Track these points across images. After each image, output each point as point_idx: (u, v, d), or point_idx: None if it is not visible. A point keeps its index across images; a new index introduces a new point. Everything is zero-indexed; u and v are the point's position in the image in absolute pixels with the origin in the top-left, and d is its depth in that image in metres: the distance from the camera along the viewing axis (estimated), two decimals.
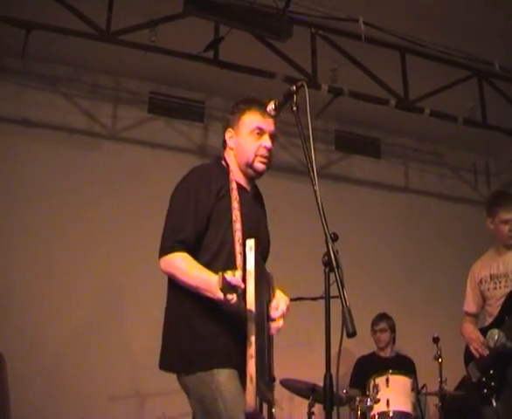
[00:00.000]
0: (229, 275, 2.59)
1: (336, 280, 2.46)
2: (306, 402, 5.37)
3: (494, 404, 4.81)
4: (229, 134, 3.27)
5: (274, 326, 3.06)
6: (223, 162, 3.26)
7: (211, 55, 6.14)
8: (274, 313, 3.08)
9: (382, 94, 6.72)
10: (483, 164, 9.09)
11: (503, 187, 8.75)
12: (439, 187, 8.70)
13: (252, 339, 2.71)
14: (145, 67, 6.96)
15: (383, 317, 6.77)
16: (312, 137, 2.69)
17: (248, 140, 3.20)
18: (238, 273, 2.63)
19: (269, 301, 3.09)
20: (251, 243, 2.82)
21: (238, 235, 2.95)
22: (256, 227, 3.16)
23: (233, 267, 2.81)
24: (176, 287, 3.05)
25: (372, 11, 6.14)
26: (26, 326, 6.18)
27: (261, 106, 3.20)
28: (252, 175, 3.24)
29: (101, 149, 7.16)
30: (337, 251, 2.51)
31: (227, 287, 2.59)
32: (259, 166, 3.18)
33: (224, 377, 2.88)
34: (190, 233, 3.00)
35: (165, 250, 2.99)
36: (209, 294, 2.81)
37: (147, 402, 6.54)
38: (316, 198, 2.62)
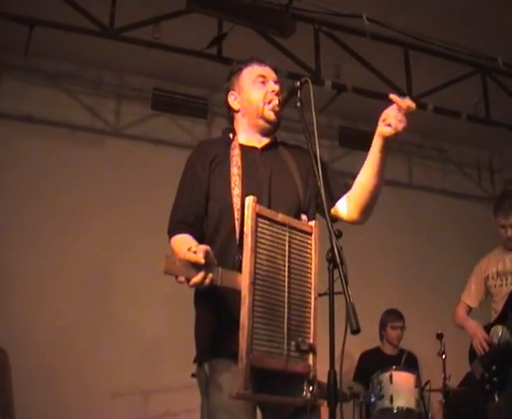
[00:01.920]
0: (189, 253, 2.45)
1: (340, 277, 2.45)
2: None
3: (497, 400, 4.82)
4: (232, 97, 3.14)
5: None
6: (230, 134, 3.10)
7: (214, 51, 6.14)
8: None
9: (385, 90, 6.67)
10: (487, 160, 9.09)
11: (507, 183, 8.76)
12: (443, 183, 8.70)
13: (245, 309, 2.48)
14: (148, 64, 6.96)
15: (400, 314, 6.73)
16: (316, 133, 2.68)
17: (252, 89, 3.07)
18: (200, 248, 2.47)
19: (302, 259, 2.76)
20: (248, 200, 2.60)
21: (235, 201, 2.82)
22: (267, 187, 2.91)
23: (226, 235, 2.78)
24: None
25: (375, 7, 6.13)
26: (29, 324, 6.20)
27: (257, 59, 3.15)
28: (266, 127, 3.06)
29: (105, 146, 7.17)
30: (341, 248, 2.50)
31: (179, 268, 2.41)
32: (270, 115, 3.02)
33: (213, 369, 2.77)
34: (187, 211, 2.92)
35: (169, 233, 2.93)
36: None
37: (150, 399, 6.55)
38: (321, 195, 2.61)
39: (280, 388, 2.66)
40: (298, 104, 2.84)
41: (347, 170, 8.08)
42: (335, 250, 2.48)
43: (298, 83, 2.86)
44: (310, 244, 2.78)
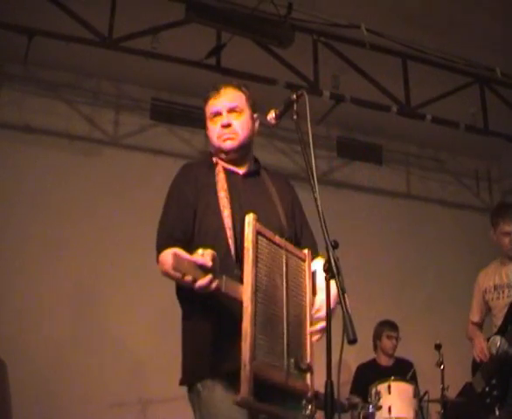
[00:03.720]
0: (196, 255, 2.48)
1: (337, 287, 2.46)
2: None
3: (497, 413, 4.81)
4: (207, 131, 3.24)
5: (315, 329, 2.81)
6: (213, 158, 3.20)
7: (213, 62, 6.15)
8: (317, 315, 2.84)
9: (384, 101, 6.73)
10: (485, 170, 9.10)
11: (505, 193, 8.77)
12: (441, 193, 8.70)
13: (247, 317, 2.51)
14: (147, 74, 6.97)
15: (395, 324, 6.73)
16: (312, 144, 2.68)
17: (210, 127, 3.17)
18: (207, 252, 2.50)
19: (298, 281, 2.83)
20: (249, 218, 2.67)
21: (227, 222, 2.88)
22: (255, 208, 2.88)
23: (222, 253, 2.76)
24: (177, 294, 3.01)
25: (374, 18, 6.15)
26: (27, 334, 6.18)
27: (214, 88, 3.21)
28: (229, 157, 3.13)
29: (103, 156, 7.17)
30: (338, 258, 2.51)
31: (187, 268, 2.43)
32: (225, 144, 3.10)
33: (206, 387, 2.78)
34: (176, 227, 2.98)
35: (158, 248, 2.98)
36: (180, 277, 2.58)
37: (148, 409, 6.53)
38: (317, 205, 2.62)
39: (275, 402, 2.66)
40: (294, 117, 2.86)
41: (345, 180, 8.13)
42: (332, 260, 2.49)
43: (294, 95, 2.88)
44: (304, 271, 2.87)
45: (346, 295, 2.43)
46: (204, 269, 2.46)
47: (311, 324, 2.80)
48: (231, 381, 2.62)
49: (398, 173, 8.59)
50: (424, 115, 6.87)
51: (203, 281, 2.46)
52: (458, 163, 8.88)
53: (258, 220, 2.70)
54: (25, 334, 6.17)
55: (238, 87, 3.26)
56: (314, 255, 3.02)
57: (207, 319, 2.80)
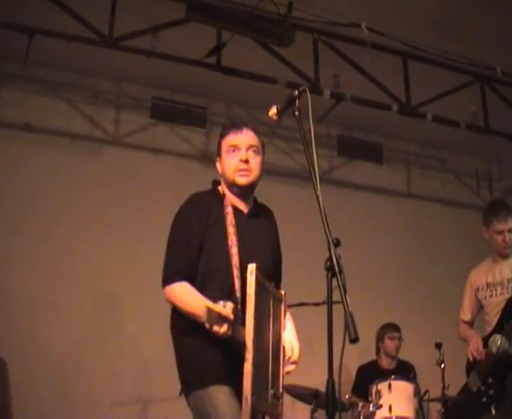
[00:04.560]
0: (219, 306, 2.72)
1: (339, 285, 2.46)
2: (308, 408, 5.36)
3: (494, 412, 4.80)
4: (218, 163, 3.36)
5: (289, 369, 3.18)
6: (219, 188, 3.33)
7: (213, 61, 6.14)
8: (289, 361, 3.18)
9: (384, 100, 6.72)
10: (485, 169, 9.09)
11: (505, 192, 8.76)
12: (442, 192, 8.70)
13: (249, 358, 2.77)
14: (147, 73, 6.97)
15: (397, 326, 6.73)
16: (314, 142, 2.68)
17: (226, 160, 3.26)
18: (229, 305, 2.76)
19: (278, 320, 3.17)
20: (252, 267, 2.89)
21: (235, 259, 3.06)
22: (255, 249, 3.20)
23: (229, 293, 2.98)
24: (173, 314, 3.21)
25: (374, 17, 6.14)
26: (29, 332, 6.18)
27: (235, 126, 3.32)
28: (241, 192, 3.27)
29: (104, 155, 7.16)
30: (340, 257, 2.51)
31: (214, 319, 2.68)
32: (240, 180, 3.22)
33: (217, 391, 2.94)
34: (183, 262, 3.11)
35: (165, 280, 3.12)
36: (203, 320, 2.82)
37: (149, 408, 6.53)
38: (319, 203, 2.62)
39: None
40: (296, 113, 2.86)
41: (346, 179, 8.13)
42: (334, 258, 2.48)
43: (296, 92, 2.88)
44: (281, 310, 3.23)
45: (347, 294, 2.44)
46: (223, 318, 2.73)
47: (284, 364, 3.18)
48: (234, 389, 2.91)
49: (399, 172, 8.59)
50: (424, 114, 6.87)
51: (223, 329, 2.75)
52: (458, 162, 8.87)
53: (257, 261, 2.96)
54: (27, 333, 6.17)
55: (256, 131, 3.36)
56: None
57: (207, 337, 2.92)
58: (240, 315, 2.90)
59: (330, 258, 2.50)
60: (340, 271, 2.47)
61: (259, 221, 3.36)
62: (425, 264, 8.09)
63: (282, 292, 3.26)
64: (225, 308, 2.74)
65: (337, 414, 2.50)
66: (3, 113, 6.77)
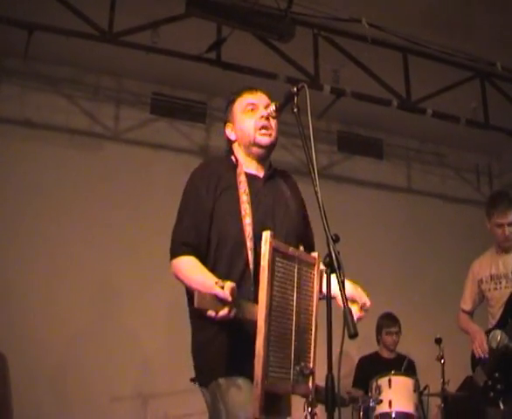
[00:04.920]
0: (216, 287, 2.55)
1: (338, 281, 2.46)
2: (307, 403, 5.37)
3: (502, 407, 4.79)
4: (228, 129, 3.22)
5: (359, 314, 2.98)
6: (232, 157, 3.17)
7: (213, 56, 6.14)
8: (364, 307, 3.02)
9: (384, 95, 6.72)
10: (486, 165, 9.10)
11: (506, 187, 8.74)
12: (442, 188, 8.71)
13: (260, 339, 2.59)
14: (147, 68, 6.96)
15: (395, 318, 6.74)
16: (313, 138, 2.68)
17: (243, 119, 3.14)
18: (227, 285, 2.56)
19: (307, 288, 2.90)
20: (266, 235, 2.68)
21: (248, 230, 2.88)
22: (274, 214, 3.03)
23: (243, 267, 2.84)
24: (188, 294, 3.00)
25: (374, 12, 6.13)
26: (29, 328, 6.19)
27: (248, 87, 3.22)
28: (261, 153, 3.12)
29: (103, 150, 7.16)
30: (339, 252, 2.51)
31: (208, 303, 2.52)
32: (262, 139, 3.08)
33: (228, 386, 2.81)
34: (191, 233, 2.95)
35: (172, 252, 2.96)
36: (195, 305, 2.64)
37: (149, 404, 6.54)
38: (317, 199, 2.62)
39: (279, 407, 2.84)
40: (295, 109, 2.85)
41: (345, 175, 8.13)
42: (333, 254, 2.48)
43: (295, 88, 2.87)
44: (313, 276, 2.92)
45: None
46: (223, 300, 2.54)
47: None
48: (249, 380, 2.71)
49: (399, 167, 8.59)
50: (424, 109, 6.86)
51: (223, 312, 2.54)
52: (458, 158, 8.88)
53: (274, 232, 2.73)
54: (26, 328, 6.18)
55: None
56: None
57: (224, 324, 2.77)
58: (253, 289, 2.77)
59: (329, 254, 2.50)
60: (339, 267, 2.47)
61: (277, 184, 3.19)
62: (426, 259, 8.10)
63: (315, 255, 2.95)
64: (222, 288, 2.54)
65: (337, 409, 2.50)
66: (3, 108, 6.76)
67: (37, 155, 6.75)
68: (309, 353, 2.84)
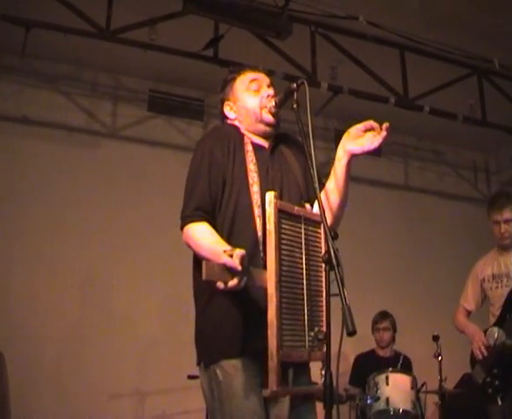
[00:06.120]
0: (225, 256, 2.44)
1: (336, 278, 2.45)
2: None
3: (500, 403, 4.80)
4: (227, 107, 3.16)
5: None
6: (239, 126, 3.11)
7: (210, 53, 6.13)
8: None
9: (381, 92, 6.72)
10: (483, 162, 9.11)
11: (503, 185, 8.78)
12: (439, 185, 8.72)
13: (273, 306, 2.51)
14: (145, 65, 6.96)
15: (385, 315, 6.75)
16: (312, 135, 2.68)
17: (247, 97, 3.11)
18: (237, 253, 2.44)
19: (315, 247, 2.81)
20: (270, 196, 2.62)
21: (255, 198, 2.83)
22: (281, 182, 2.98)
23: (251, 232, 2.78)
24: (194, 269, 2.92)
25: (372, 9, 6.13)
26: (27, 326, 6.20)
27: (250, 65, 3.22)
28: (265, 130, 3.07)
29: (101, 147, 7.16)
30: (337, 249, 2.50)
31: (217, 273, 2.40)
32: (268, 117, 3.04)
33: (225, 372, 2.74)
34: (205, 197, 2.87)
35: (183, 220, 2.86)
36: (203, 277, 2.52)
37: (147, 401, 6.55)
38: (317, 196, 2.62)
39: (295, 376, 2.69)
40: (294, 106, 2.85)
41: None
42: (332, 251, 2.48)
43: (294, 85, 2.86)
44: (320, 234, 2.84)
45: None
46: (232, 270, 2.43)
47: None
48: (255, 359, 2.66)
49: (396, 164, 8.60)
50: (422, 107, 6.87)
51: (232, 283, 2.43)
52: (456, 155, 8.89)
53: (279, 195, 2.67)
54: (23, 326, 6.18)
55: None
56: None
57: (229, 299, 2.72)
58: (262, 255, 2.72)
59: (328, 251, 2.49)
60: (338, 264, 2.46)
61: (282, 153, 3.13)
62: (422, 256, 8.12)
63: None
64: (231, 257, 2.43)
65: (335, 406, 2.50)
66: (1, 105, 6.75)
67: (34, 152, 6.75)
68: (322, 316, 2.74)
